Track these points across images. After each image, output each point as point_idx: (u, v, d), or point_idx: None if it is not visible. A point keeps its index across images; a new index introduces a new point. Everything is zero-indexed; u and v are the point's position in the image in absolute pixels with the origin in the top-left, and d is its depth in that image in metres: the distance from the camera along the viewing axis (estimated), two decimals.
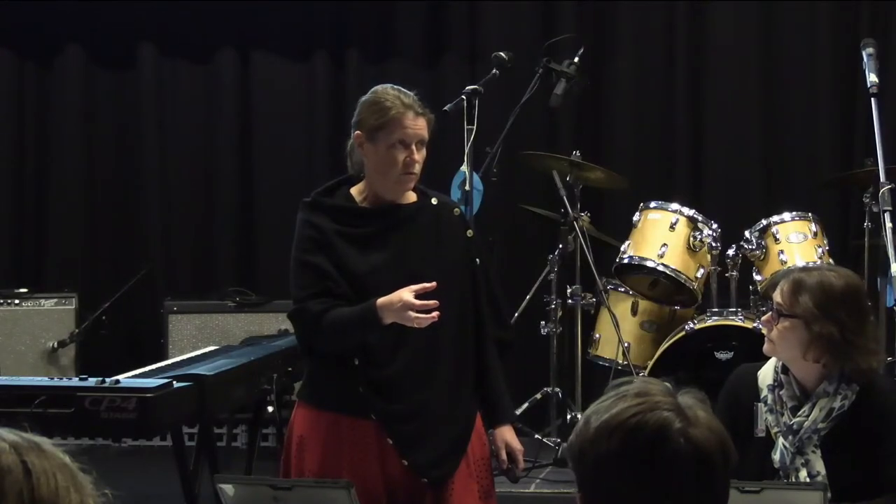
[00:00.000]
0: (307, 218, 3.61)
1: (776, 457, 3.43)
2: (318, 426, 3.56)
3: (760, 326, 3.56)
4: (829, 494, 3.29)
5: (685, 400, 1.84)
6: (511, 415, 3.74)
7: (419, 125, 3.51)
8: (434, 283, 3.37)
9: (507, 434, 3.63)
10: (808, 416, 3.41)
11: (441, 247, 3.57)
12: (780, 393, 3.46)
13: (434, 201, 3.62)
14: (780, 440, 3.43)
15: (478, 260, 3.62)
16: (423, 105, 3.54)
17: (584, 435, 1.82)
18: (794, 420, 3.42)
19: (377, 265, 3.50)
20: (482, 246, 3.72)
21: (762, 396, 3.48)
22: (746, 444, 3.42)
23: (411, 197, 3.60)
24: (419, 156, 3.51)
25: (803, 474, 3.39)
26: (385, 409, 3.49)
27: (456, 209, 3.67)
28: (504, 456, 3.61)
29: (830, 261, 5.62)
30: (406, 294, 3.34)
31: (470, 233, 3.65)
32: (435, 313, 3.34)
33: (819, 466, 3.40)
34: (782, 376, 3.47)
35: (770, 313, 3.44)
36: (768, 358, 3.57)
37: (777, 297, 3.42)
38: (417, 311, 3.33)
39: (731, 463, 1.83)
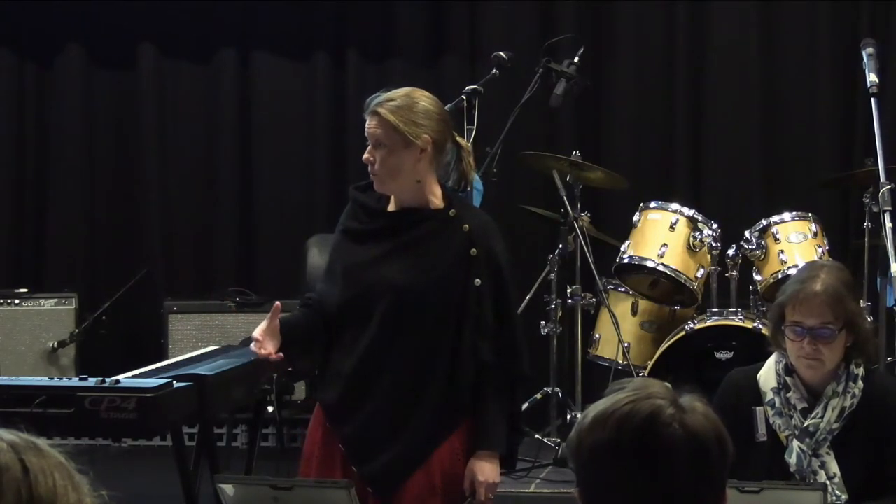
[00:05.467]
0: (345, 210, 3.71)
1: (792, 460, 3.41)
2: (314, 420, 3.65)
3: (801, 356, 3.38)
4: (829, 494, 3.30)
5: (683, 395, 1.84)
6: (491, 444, 3.52)
7: (370, 125, 3.50)
8: (278, 304, 3.49)
9: (476, 464, 3.50)
10: (821, 417, 3.39)
11: (431, 258, 3.51)
12: (788, 395, 3.44)
13: (452, 213, 3.54)
14: (795, 443, 3.41)
15: (478, 281, 3.49)
16: (387, 102, 3.47)
17: (580, 426, 1.84)
18: (808, 422, 3.40)
19: (357, 263, 3.53)
20: (497, 270, 3.53)
21: (767, 400, 3.46)
22: (747, 450, 3.41)
23: (437, 204, 3.55)
24: (374, 155, 3.48)
25: (822, 476, 3.38)
26: (334, 407, 3.55)
27: (466, 225, 3.52)
28: (467, 484, 3.51)
29: (830, 260, 5.61)
30: (256, 331, 3.50)
31: (474, 252, 3.50)
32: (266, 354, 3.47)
33: (834, 468, 3.39)
34: (787, 378, 3.45)
35: (807, 339, 3.35)
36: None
37: (820, 318, 3.33)
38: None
39: (728, 453, 1.82)
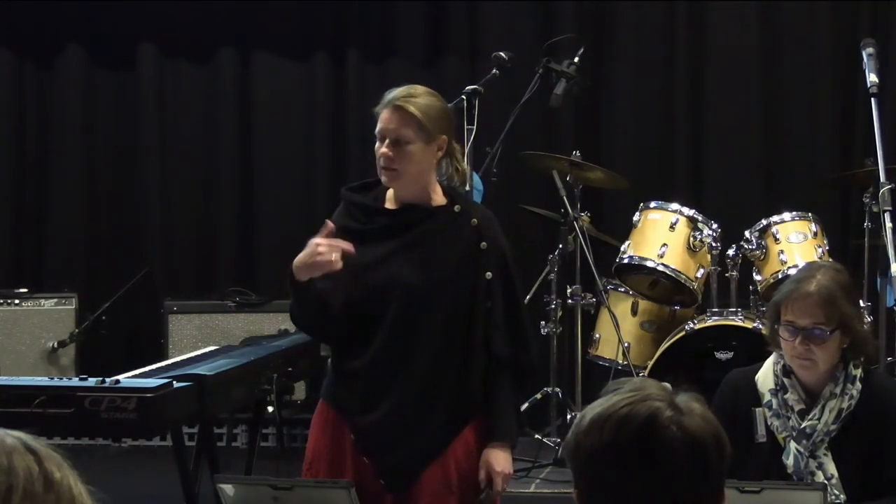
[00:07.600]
0: (336, 212, 3.63)
1: (789, 461, 3.40)
2: (318, 416, 3.62)
3: (794, 355, 3.37)
4: (828, 495, 3.29)
5: (680, 396, 1.84)
6: (505, 435, 3.52)
7: (391, 120, 3.41)
8: (350, 246, 3.34)
9: (491, 455, 3.50)
10: (819, 418, 3.38)
11: (441, 254, 3.49)
12: (785, 397, 3.43)
13: (457, 208, 3.52)
14: (793, 444, 3.40)
15: (489, 274, 3.49)
16: (411, 97, 3.41)
17: (578, 428, 1.83)
18: (805, 423, 3.39)
19: (363, 263, 3.47)
20: (504, 262, 3.54)
21: (765, 401, 3.46)
22: (746, 451, 3.41)
23: (439, 201, 3.53)
24: (393, 151, 3.40)
25: (819, 477, 3.37)
26: (349, 404, 3.52)
27: (475, 219, 3.51)
28: (483, 475, 3.50)
29: (830, 260, 5.62)
30: (316, 238, 3.35)
31: (484, 245, 3.49)
32: (333, 256, 3.31)
33: (832, 469, 3.38)
34: (785, 380, 3.44)
35: (799, 339, 3.34)
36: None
37: (812, 319, 3.32)
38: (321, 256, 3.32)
39: (726, 454, 1.82)
